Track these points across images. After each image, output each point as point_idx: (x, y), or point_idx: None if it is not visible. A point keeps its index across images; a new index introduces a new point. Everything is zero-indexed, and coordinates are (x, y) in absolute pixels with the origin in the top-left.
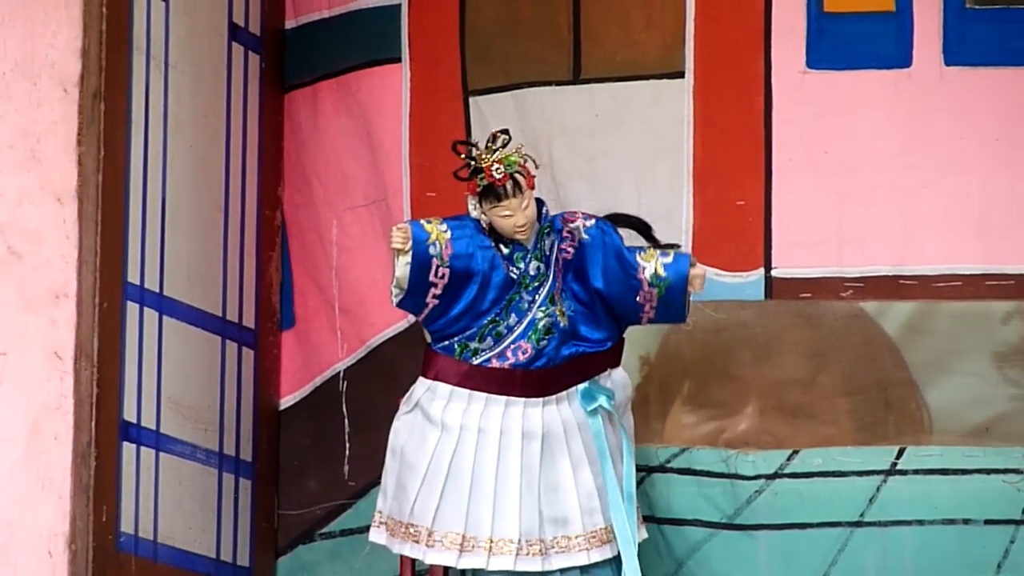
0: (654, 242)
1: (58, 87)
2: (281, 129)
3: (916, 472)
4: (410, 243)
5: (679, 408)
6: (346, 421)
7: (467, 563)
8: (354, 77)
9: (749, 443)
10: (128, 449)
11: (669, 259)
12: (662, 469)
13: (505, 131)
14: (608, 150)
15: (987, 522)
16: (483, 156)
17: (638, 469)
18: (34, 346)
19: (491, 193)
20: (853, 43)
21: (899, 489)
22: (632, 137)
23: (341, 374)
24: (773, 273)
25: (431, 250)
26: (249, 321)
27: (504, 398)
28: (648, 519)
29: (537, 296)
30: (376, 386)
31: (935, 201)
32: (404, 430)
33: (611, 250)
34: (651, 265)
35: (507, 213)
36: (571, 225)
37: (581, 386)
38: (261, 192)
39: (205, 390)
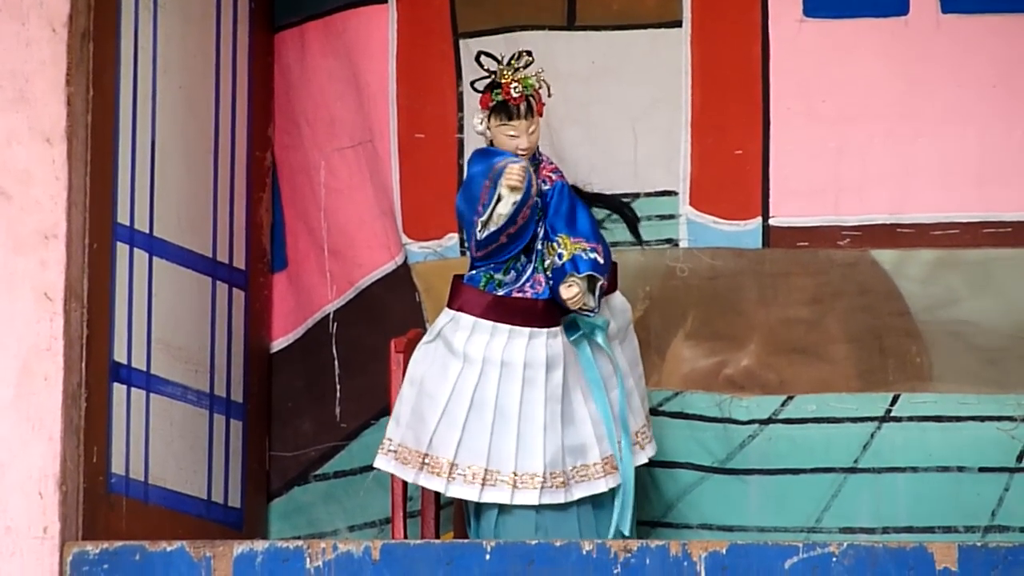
0: (637, 236)
1: (47, 27)
2: (271, 70)
3: (910, 419)
4: (524, 182)
5: (676, 350)
6: (336, 363)
7: (489, 497)
8: (340, 17)
9: (745, 387)
10: (118, 390)
11: (567, 262)
12: (654, 412)
13: (528, 52)
14: (604, 97)
15: (981, 469)
16: (504, 72)
17: None
18: (23, 287)
19: (503, 111)
20: None
21: (893, 436)
22: (629, 85)
23: (331, 316)
24: (771, 222)
25: (532, 189)
26: (240, 262)
27: (528, 329)
28: None
29: (539, 229)
30: (365, 328)
31: (932, 149)
32: (425, 360)
33: (554, 213)
34: (564, 253)
35: (513, 133)
36: (545, 172)
37: (567, 317)
38: (251, 133)
39: (196, 331)
